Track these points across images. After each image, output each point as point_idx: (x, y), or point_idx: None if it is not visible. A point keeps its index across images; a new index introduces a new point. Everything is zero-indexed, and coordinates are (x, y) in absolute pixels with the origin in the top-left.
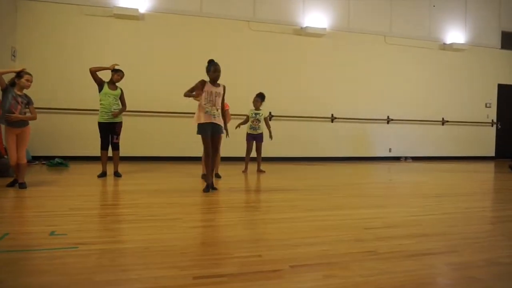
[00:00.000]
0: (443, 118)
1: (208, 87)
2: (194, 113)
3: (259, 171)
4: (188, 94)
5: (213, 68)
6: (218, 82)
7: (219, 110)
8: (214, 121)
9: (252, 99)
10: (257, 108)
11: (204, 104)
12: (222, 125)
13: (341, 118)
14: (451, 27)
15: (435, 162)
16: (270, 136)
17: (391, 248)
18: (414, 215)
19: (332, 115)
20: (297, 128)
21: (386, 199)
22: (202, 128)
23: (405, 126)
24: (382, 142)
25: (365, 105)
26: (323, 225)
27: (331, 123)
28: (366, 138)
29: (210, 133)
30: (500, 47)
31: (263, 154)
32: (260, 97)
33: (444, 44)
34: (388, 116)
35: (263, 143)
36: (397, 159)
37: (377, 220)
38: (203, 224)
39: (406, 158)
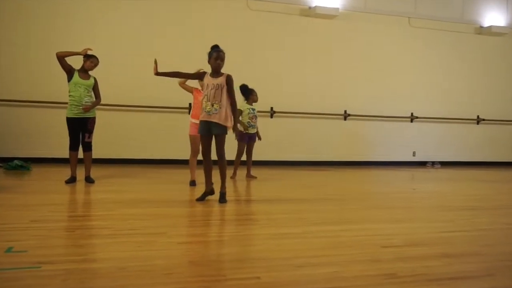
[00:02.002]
0: (478, 116)
1: (207, 79)
2: (184, 108)
3: (250, 176)
4: (181, 75)
5: (215, 54)
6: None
7: (220, 105)
8: (210, 119)
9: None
10: (251, 103)
11: (202, 99)
12: (224, 123)
13: (355, 116)
14: (490, 7)
15: (468, 169)
16: (259, 136)
17: (413, 271)
18: (442, 231)
19: (345, 111)
20: (302, 127)
21: (408, 212)
22: (199, 127)
23: (432, 125)
24: (405, 144)
25: (384, 100)
26: (333, 242)
27: (344, 121)
28: (386, 139)
29: (206, 133)
30: None
31: (255, 157)
32: (243, 91)
33: (481, 27)
34: (412, 113)
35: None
36: (422, 164)
37: (398, 237)
38: (191, 240)
39: (433, 163)
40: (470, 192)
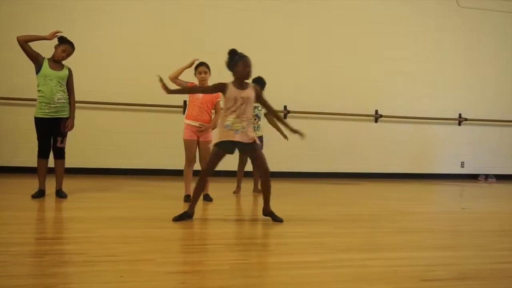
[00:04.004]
0: None
1: (232, 91)
2: (177, 106)
3: (257, 191)
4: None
5: (245, 60)
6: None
7: (248, 122)
8: (238, 140)
9: None
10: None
11: (225, 115)
12: (252, 140)
13: (389, 117)
14: None
15: None
16: (285, 136)
17: None
18: (500, 262)
19: (376, 111)
20: (324, 130)
21: (456, 237)
22: (218, 146)
23: (485, 129)
24: (451, 152)
25: (425, 98)
26: (361, 273)
27: (375, 124)
28: (427, 146)
29: (228, 151)
30: None
31: None
32: (260, 84)
33: None
34: (460, 114)
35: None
36: (473, 177)
37: (443, 268)
38: (185, 269)
39: (486, 176)
40: None
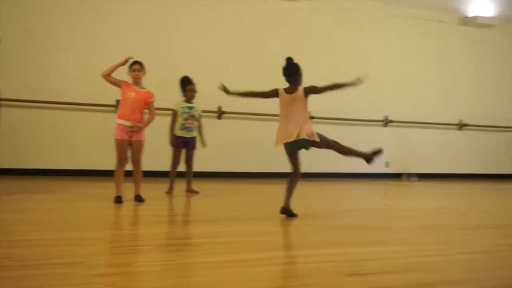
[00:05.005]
0: (461, 121)
1: (282, 96)
2: (110, 106)
3: (191, 191)
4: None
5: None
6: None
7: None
8: (298, 138)
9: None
10: (189, 100)
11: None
12: (311, 137)
13: (318, 118)
14: None
15: (448, 182)
16: (203, 143)
17: None
18: (428, 255)
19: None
20: (258, 131)
21: (382, 233)
22: (286, 150)
23: (408, 130)
24: None
25: (353, 100)
26: (288, 270)
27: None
28: (354, 146)
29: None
30: None
31: (200, 168)
32: (194, 85)
33: (466, 17)
34: (386, 117)
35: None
36: (397, 176)
37: (369, 263)
38: (115, 271)
39: (409, 175)
40: (459, 209)
